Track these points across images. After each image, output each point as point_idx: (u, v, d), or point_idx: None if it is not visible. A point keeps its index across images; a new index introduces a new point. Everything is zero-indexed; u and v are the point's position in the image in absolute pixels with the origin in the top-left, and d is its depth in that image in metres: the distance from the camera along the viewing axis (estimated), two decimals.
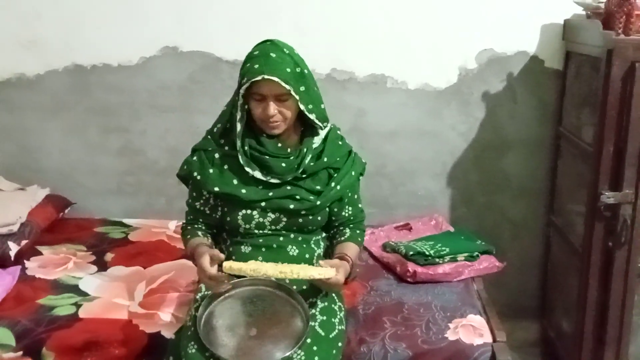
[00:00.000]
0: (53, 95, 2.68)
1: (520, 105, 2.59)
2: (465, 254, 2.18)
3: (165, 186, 2.72)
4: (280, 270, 1.61)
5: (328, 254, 1.89)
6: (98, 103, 2.68)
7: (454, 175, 2.69)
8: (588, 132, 2.21)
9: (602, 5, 2.17)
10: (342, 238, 1.89)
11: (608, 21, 2.10)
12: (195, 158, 1.82)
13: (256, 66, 1.67)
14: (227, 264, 1.62)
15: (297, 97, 1.69)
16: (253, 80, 1.66)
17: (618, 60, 1.97)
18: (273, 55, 1.68)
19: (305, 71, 1.73)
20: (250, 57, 1.71)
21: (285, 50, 1.71)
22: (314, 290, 1.79)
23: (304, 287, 1.77)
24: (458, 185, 2.70)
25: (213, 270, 1.63)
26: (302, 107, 1.72)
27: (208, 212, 1.84)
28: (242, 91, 1.70)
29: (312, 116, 1.76)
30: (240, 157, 1.76)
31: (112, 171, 2.76)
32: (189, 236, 1.82)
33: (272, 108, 1.69)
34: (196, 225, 1.85)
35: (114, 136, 2.72)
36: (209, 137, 1.84)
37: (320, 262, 1.70)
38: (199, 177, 1.80)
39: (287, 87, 1.66)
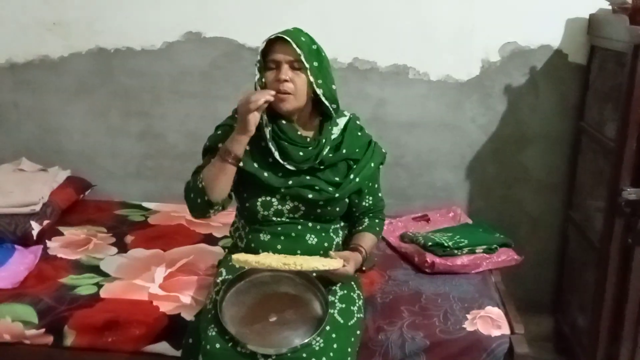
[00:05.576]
0: (76, 77, 2.70)
1: (541, 100, 2.58)
2: (484, 246, 2.17)
3: (184, 171, 2.67)
4: (284, 262, 1.63)
5: (347, 242, 1.90)
6: (120, 87, 2.70)
7: (473, 168, 2.68)
8: (610, 128, 2.19)
9: (629, 0, 2.15)
10: (360, 227, 1.90)
11: (635, 16, 2.08)
12: (220, 132, 1.84)
13: (273, 35, 1.72)
14: (235, 256, 1.65)
15: (307, 65, 1.70)
16: (269, 38, 1.69)
17: None
18: (292, 30, 1.74)
19: (322, 53, 1.75)
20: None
21: (306, 32, 1.75)
22: None
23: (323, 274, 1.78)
24: (476, 178, 2.69)
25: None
26: (311, 78, 1.72)
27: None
28: (259, 57, 1.72)
29: (319, 91, 1.74)
30: (265, 130, 1.76)
31: (132, 155, 2.78)
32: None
33: (285, 71, 1.70)
34: None
35: (134, 120, 2.74)
36: (235, 116, 1.84)
37: (331, 253, 1.71)
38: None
39: (299, 51, 1.68)
